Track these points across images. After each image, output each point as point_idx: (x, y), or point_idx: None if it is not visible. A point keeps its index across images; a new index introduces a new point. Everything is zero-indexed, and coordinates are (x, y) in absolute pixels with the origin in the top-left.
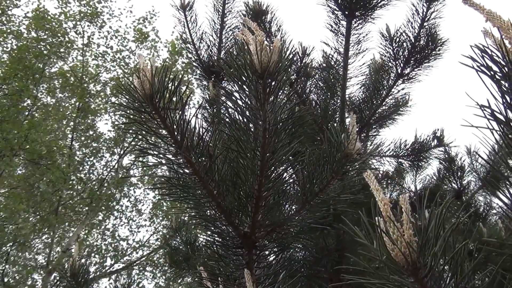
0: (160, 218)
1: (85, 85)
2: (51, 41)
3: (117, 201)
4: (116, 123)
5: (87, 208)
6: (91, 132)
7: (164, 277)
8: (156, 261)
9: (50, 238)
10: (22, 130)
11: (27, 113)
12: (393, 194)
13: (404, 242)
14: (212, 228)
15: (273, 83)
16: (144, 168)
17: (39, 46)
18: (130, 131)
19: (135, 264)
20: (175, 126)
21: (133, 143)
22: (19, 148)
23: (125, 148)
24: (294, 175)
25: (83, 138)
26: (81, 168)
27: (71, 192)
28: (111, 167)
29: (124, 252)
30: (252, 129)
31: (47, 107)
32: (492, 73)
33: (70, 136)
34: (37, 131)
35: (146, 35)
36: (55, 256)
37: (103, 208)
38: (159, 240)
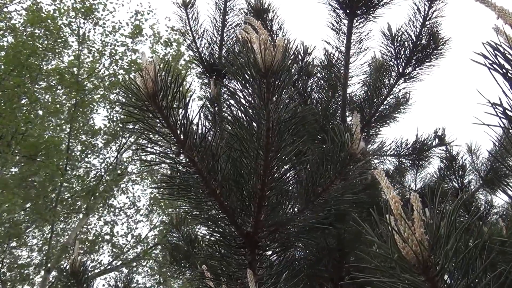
0: (157, 214)
1: (81, 81)
2: (46, 37)
3: (114, 197)
4: (114, 118)
5: (84, 207)
6: (86, 128)
7: (160, 274)
8: (154, 257)
9: (49, 233)
10: (19, 126)
11: (24, 108)
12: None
13: (415, 240)
14: (215, 228)
15: (276, 82)
16: (143, 165)
17: (35, 44)
18: (128, 127)
19: (133, 261)
20: (178, 125)
21: (131, 139)
22: (15, 144)
23: (123, 144)
24: (297, 175)
25: (82, 136)
26: (78, 164)
27: (68, 186)
28: (109, 164)
29: (122, 249)
30: (255, 128)
31: (44, 103)
32: (504, 71)
33: (67, 131)
34: (34, 125)
35: (140, 30)
36: (53, 251)
37: (101, 205)
38: (156, 236)
